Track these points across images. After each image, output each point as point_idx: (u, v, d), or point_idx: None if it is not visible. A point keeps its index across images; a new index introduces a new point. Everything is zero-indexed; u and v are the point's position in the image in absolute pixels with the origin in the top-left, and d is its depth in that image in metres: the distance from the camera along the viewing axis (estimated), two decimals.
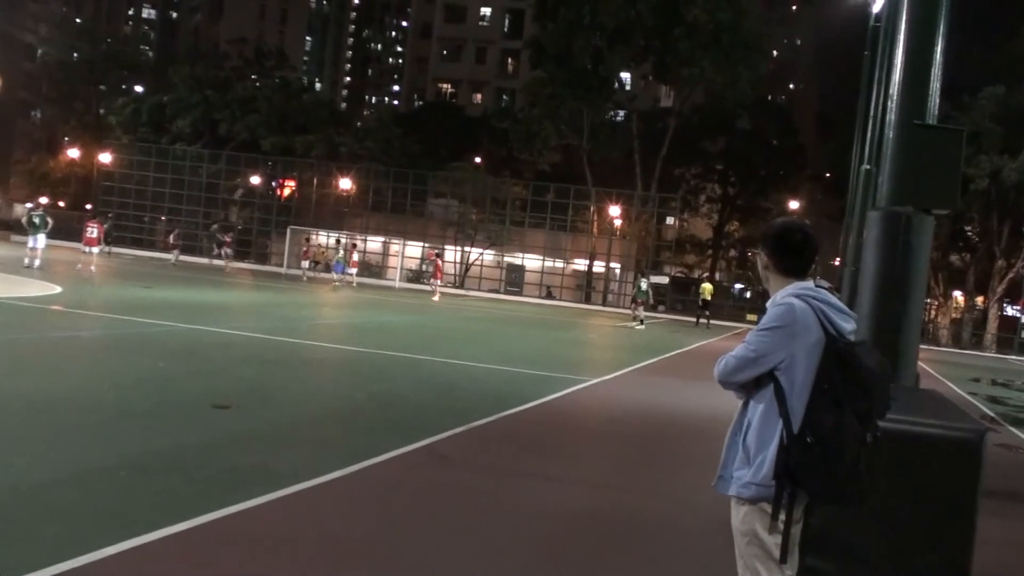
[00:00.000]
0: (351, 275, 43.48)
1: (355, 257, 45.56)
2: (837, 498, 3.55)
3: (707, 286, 44.06)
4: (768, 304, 3.67)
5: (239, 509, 5.97)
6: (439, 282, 42.05)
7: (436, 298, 39.33)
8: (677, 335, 32.74)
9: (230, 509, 5.93)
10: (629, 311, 41.28)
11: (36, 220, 29.99)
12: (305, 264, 46.78)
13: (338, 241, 47.46)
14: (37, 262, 28.75)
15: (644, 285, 36.53)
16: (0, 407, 8.49)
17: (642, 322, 34.94)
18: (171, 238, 49.99)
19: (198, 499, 6.09)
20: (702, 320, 41.80)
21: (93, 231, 31.16)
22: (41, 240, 29.49)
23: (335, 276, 43.70)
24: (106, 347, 13.94)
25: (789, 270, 3.69)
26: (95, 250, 30.89)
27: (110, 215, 55.51)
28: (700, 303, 43.44)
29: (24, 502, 5.75)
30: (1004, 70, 49.43)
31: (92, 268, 29.90)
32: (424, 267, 56.98)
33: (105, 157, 62.95)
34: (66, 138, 76.54)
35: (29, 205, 30.40)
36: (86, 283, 26.27)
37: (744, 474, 3.55)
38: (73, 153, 69.40)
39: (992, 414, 17.26)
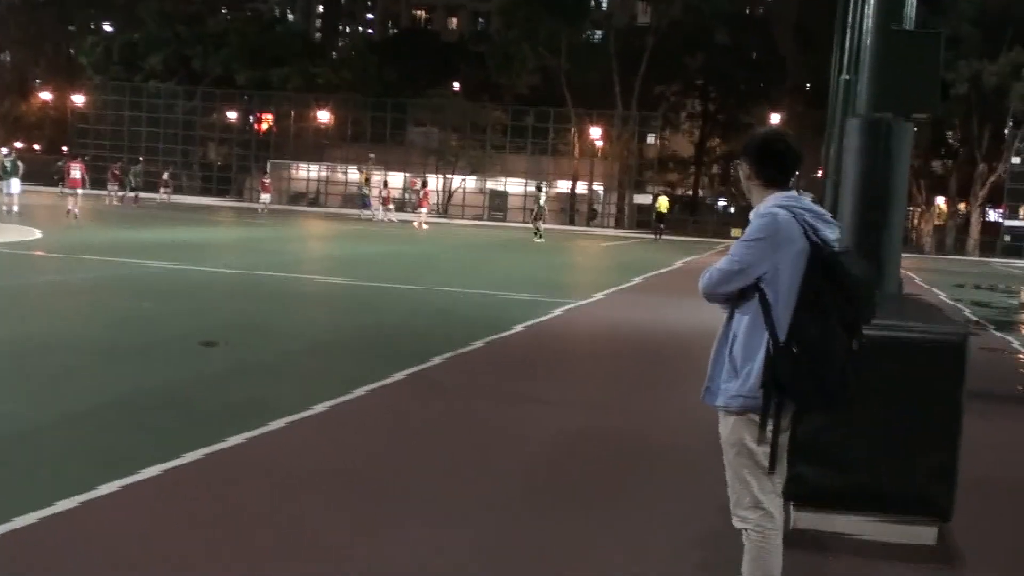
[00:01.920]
0: (421, 214, 41.81)
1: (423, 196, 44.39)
2: (825, 406, 3.57)
3: (663, 200, 47.74)
4: (751, 215, 3.65)
5: (232, 443, 6.01)
6: (425, 211, 41.52)
7: (425, 227, 39.15)
8: (661, 254, 32.82)
9: (223, 444, 5.97)
10: (601, 231, 42.32)
11: (7, 165, 29.59)
12: (266, 198, 46.57)
13: (368, 180, 49.54)
14: (15, 208, 28.49)
15: (543, 200, 37.66)
16: None
17: (540, 235, 36.11)
18: (164, 176, 49.63)
19: (190, 435, 6.11)
20: (660, 235, 44.89)
21: (76, 172, 30.59)
22: (15, 185, 29.10)
23: (367, 212, 46.50)
24: (90, 289, 13.89)
25: (772, 180, 3.67)
26: (80, 191, 30.22)
27: (86, 156, 54.88)
28: (655, 217, 46.70)
29: (16, 445, 5.77)
30: None
31: (77, 211, 29.29)
32: (407, 196, 56.57)
33: (78, 99, 62.10)
34: (37, 81, 75.27)
35: (4, 150, 29.71)
36: (66, 226, 26.06)
37: (731, 385, 3.57)
38: (45, 96, 68.34)
39: (976, 318, 17.42)
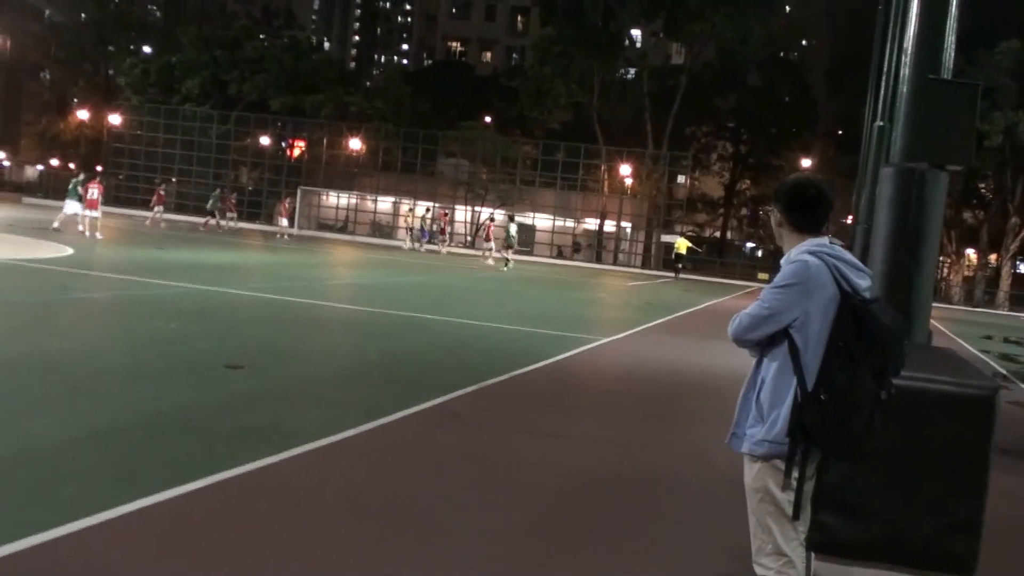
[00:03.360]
0: (490, 248, 42.00)
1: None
2: (850, 455, 3.54)
3: (681, 241, 48.25)
4: (782, 261, 3.65)
5: (253, 468, 6.01)
6: (492, 245, 41.61)
7: (491, 261, 39.71)
8: (686, 294, 32.75)
9: (244, 468, 5.96)
10: (626, 269, 42.80)
11: (70, 187, 30.53)
12: (284, 222, 47.11)
13: (428, 210, 50.11)
14: (56, 225, 28.80)
15: (513, 230, 38.54)
16: (15, 369, 8.53)
17: (508, 263, 37.19)
18: (232, 201, 50.18)
19: (212, 458, 6.12)
20: (679, 275, 45.69)
21: (94, 193, 30.38)
22: (72, 207, 29.62)
23: (420, 244, 47.33)
24: (118, 308, 13.98)
25: (803, 226, 3.67)
26: (97, 213, 29.97)
27: (120, 176, 55.40)
28: (674, 257, 47.54)
29: (39, 462, 5.78)
30: (1020, 24, 48.70)
31: (99, 235, 29.10)
32: (433, 226, 56.63)
33: (115, 118, 62.80)
34: (75, 100, 76.17)
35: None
36: (98, 245, 26.27)
37: (757, 431, 3.55)
38: (83, 115, 69.14)
39: (1005, 371, 17.24)
